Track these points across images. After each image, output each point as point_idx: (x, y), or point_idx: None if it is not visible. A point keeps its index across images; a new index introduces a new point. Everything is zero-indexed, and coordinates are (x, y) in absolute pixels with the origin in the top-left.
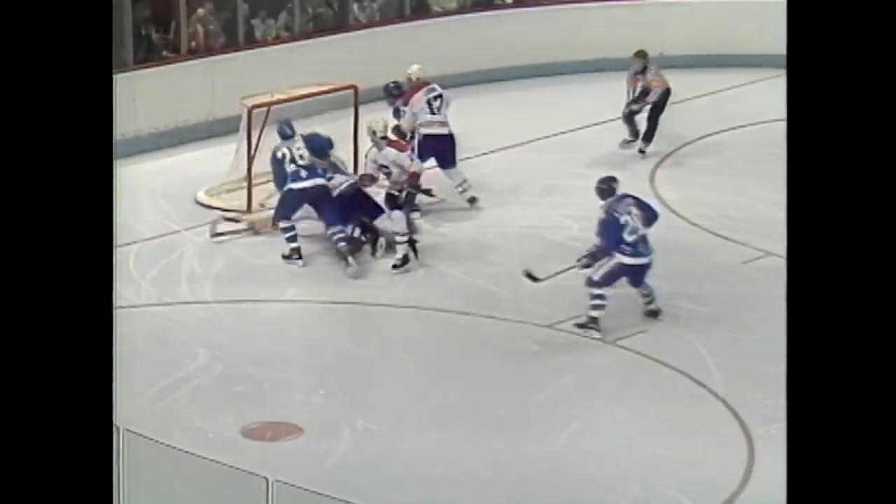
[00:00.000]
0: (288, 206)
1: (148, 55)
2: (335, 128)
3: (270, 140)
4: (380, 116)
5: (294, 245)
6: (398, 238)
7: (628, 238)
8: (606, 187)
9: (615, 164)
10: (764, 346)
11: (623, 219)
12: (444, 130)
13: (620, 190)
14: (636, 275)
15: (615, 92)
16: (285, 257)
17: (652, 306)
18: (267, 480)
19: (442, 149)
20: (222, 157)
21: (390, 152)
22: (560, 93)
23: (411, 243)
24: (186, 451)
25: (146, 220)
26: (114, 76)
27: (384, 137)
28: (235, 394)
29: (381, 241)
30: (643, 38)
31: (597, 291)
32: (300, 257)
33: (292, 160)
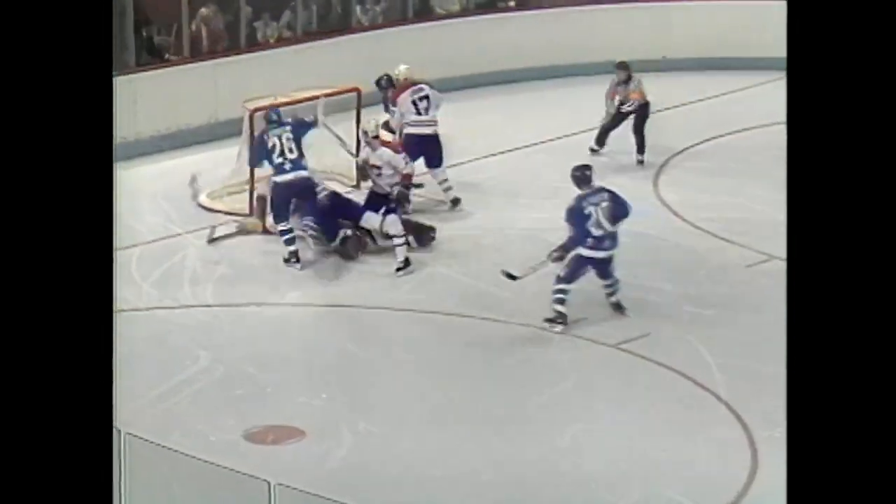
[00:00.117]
0: (280, 205)
1: (150, 57)
2: (338, 131)
3: None
4: (372, 117)
5: (292, 248)
6: (396, 241)
7: (593, 230)
8: (581, 175)
9: (618, 166)
10: (766, 349)
11: (588, 210)
12: (428, 130)
13: (622, 189)
14: (599, 267)
15: None
16: (286, 260)
17: (614, 298)
18: (268, 483)
19: (427, 148)
20: (224, 160)
21: (385, 153)
22: (563, 95)
23: (420, 231)
24: (187, 454)
25: (148, 222)
26: (116, 78)
27: (376, 137)
28: (237, 396)
29: (375, 231)
30: (646, 41)
31: (558, 286)
32: (297, 261)
33: (281, 153)
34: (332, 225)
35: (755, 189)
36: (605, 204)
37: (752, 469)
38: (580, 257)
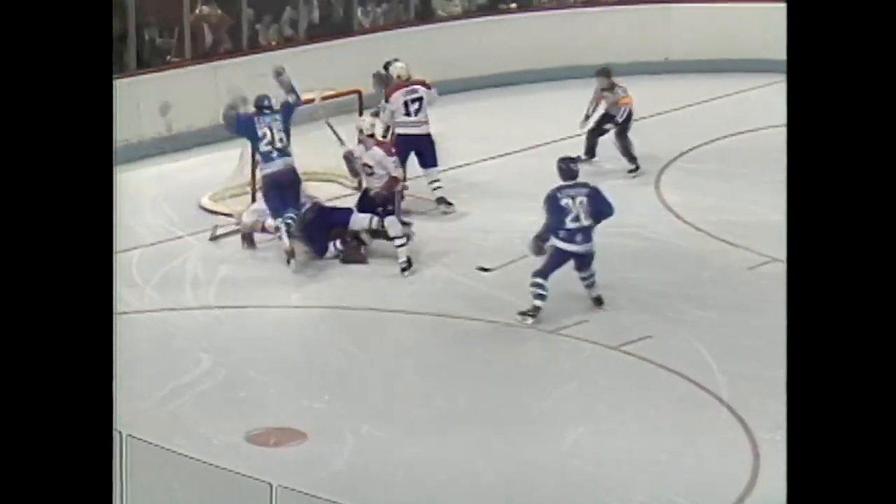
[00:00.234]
0: (273, 198)
1: (151, 60)
2: (340, 132)
3: None
4: (367, 116)
5: (286, 247)
6: (397, 242)
7: (568, 224)
8: (564, 167)
9: (620, 168)
10: (768, 351)
11: (564, 201)
12: (419, 130)
13: (624, 191)
14: (577, 260)
15: None
16: (287, 260)
17: (593, 292)
18: (271, 486)
19: (418, 148)
20: (226, 162)
21: (377, 153)
22: (565, 97)
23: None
24: (189, 457)
25: (149, 225)
26: (117, 81)
27: (371, 136)
28: (238, 399)
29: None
30: (648, 43)
31: (535, 279)
32: (293, 257)
33: (270, 141)
34: (320, 240)
35: (757, 191)
36: (581, 199)
37: (753, 471)
38: (557, 250)
